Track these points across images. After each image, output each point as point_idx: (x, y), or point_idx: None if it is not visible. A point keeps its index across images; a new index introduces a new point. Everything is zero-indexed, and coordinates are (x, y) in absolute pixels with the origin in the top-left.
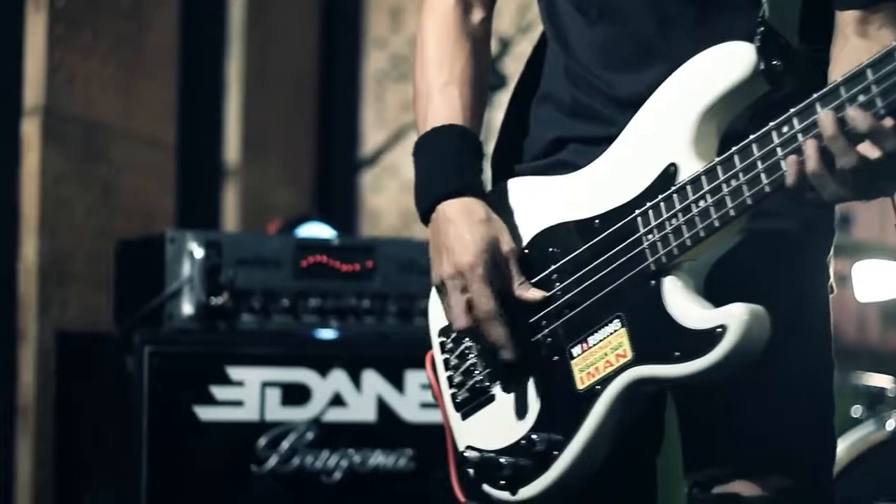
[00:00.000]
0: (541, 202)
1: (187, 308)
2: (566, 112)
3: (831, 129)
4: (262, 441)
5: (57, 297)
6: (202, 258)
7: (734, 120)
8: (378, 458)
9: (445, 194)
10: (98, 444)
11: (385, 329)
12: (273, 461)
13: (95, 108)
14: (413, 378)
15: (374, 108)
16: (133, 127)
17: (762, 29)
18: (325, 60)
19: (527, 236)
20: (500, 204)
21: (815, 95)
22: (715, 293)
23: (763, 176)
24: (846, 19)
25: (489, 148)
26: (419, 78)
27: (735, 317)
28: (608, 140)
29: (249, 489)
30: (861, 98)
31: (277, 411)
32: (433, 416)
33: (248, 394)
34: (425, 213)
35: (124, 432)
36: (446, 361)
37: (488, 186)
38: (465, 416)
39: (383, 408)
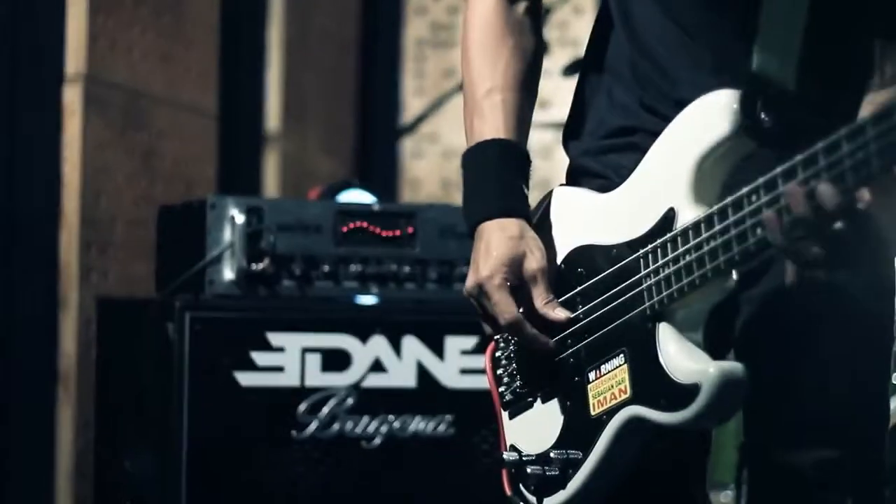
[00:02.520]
0: (580, 219)
1: (228, 274)
2: (636, 102)
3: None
4: (303, 407)
5: (98, 264)
6: (243, 224)
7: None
8: (418, 424)
9: (485, 216)
10: (139, 411)
11: (425, 295)
12: (313, 427)
13: (137, 75)
14: (453, 344)
15: (415, 76)
16: (174, 94)
17: (747, 82)
18: (365, 27)
19: (562, 253)
20: (542, 217)
21: (798, 157)
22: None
23: (749, 233)
24: (887, 50)
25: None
26: (465, 79)
27: (708, 376)
28: None
29: (289, 454)
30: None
31: (317, 377)
32: (473, 383)
33: (288, 359)
34: (470, 232)
35: (165, 398)
36: (498, 360)
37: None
38: (511, 416)
39: (423, 374)
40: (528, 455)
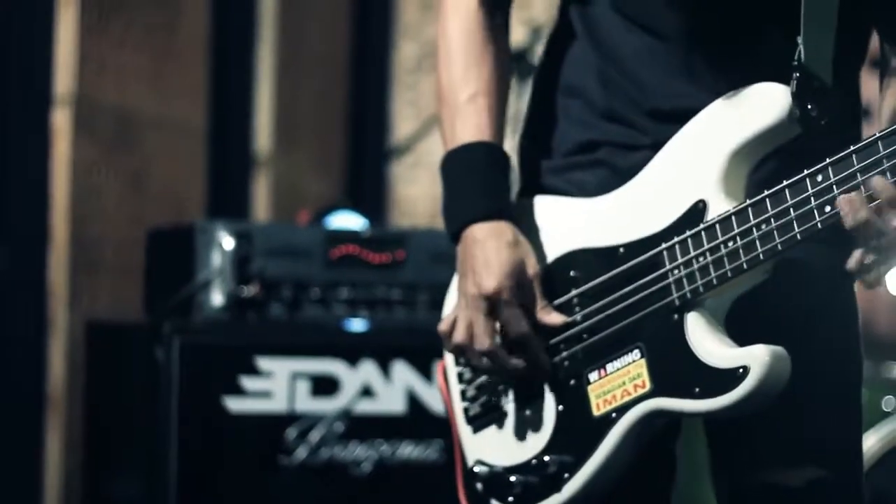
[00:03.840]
0: (565, 224)
1: (217, 298)
2: (599, 115)
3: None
4: (292, 432)
5: (87, 287)
6: (232, 249)
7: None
8: (408, 450)
9: (474, 218)
10: (127, 435)
11: (415, 320)
12: (302, 452)
13: (126, 96)
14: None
15: (406, 97)
16: (164, 115)
17: (798, 74)
18: (357, 48)
19: (549, 258)
20: (525, 221)
21: (852, 148)
22: (738, 317)
23: (795, 224)
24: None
25: (516, 139)
26: (445, 85)
27: (757, 358)
28: (643, 147)
29: (278, 480)
30: None
31: (307, 402)
32: None
33: (277, 385)
34: (454, 235)
35: (153, 422)
36: (460, 375)
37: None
38: (476, 430)
39: (413, 399)
40: (502, 466)
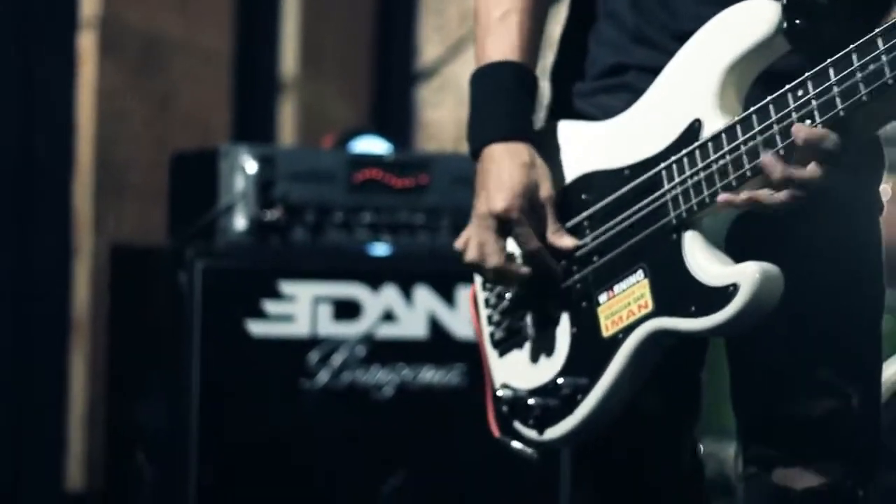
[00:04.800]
0: (582, 147)
1: (240, 222)
2: (629, 37)
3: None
4: (314, 356)
5: (114, 209)
6: (255, 173)
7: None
8: (429, 374)
9: (493, 137)
10: (151, 358)
11: (438, 245)
12: (324, 376)
13: (153, 20)
14: (465, 294)
15: (433, 21)
16: (190, 39)
17: None
18: None
19: (566, 181)
20: (547, 145)
21: (829, 61)
22: (747, 244)
23: (778, 139)
24: None
25: (548, 61)
26: (479, 4)
27: (747, 275)
28: None
29: (300, 404)
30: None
31: (329, 326)
32: None
33: (299, 308)
34: (475, 153)
35: (176, 347)
36: (486, 300)
37: (544, 101)
38: (501, 354)
39: (435, 324)
40: (524, 389)
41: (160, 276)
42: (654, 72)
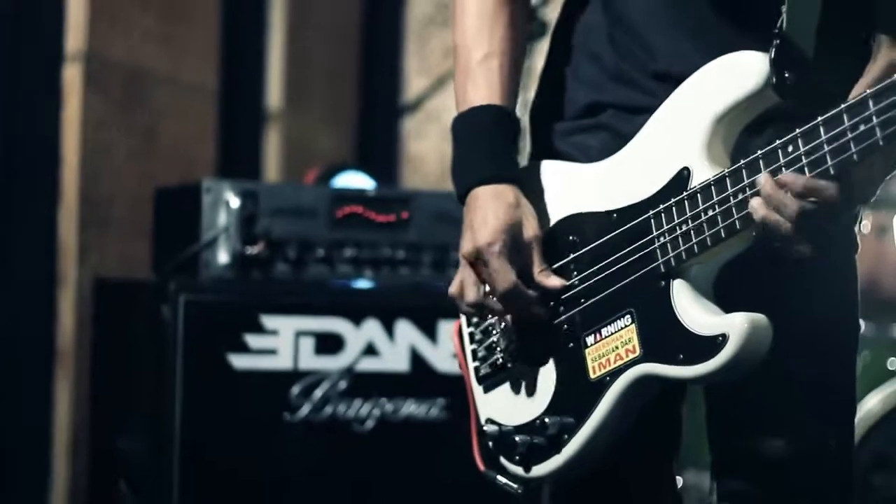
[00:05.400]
0: (568, 188)
1: (223, 257)
2: (608, 76)
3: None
4: (295, 389)
5: (97, 243)
6: (238, 207)
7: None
8: (410, 408)
9: (479, 181)
10: (134, 391)
11: (419, 279)
12: (306, 409)
13: (138, 53)
14: (446, 328)
15: (418, 54)
16: (175, 72)
17: (777, 41)
18: (369, 4)
19: (551, 222)
20: (531, 185)
21: (819, 119)
22: (730, 286)
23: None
24: (881, 41)
25: (530, 95)
26: (459, 45)
27: (736, 326)
28: (647, 110)
29: (282, 437)
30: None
31: (311, 360)
32: None
33: (281, 342)
34: (460, 197)
35: (159, 379)
36: (471, 335)
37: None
38: (486, 390)
39: (416, 358)
40: (510, 426)
41: (143, 309)
42: (632, 111)
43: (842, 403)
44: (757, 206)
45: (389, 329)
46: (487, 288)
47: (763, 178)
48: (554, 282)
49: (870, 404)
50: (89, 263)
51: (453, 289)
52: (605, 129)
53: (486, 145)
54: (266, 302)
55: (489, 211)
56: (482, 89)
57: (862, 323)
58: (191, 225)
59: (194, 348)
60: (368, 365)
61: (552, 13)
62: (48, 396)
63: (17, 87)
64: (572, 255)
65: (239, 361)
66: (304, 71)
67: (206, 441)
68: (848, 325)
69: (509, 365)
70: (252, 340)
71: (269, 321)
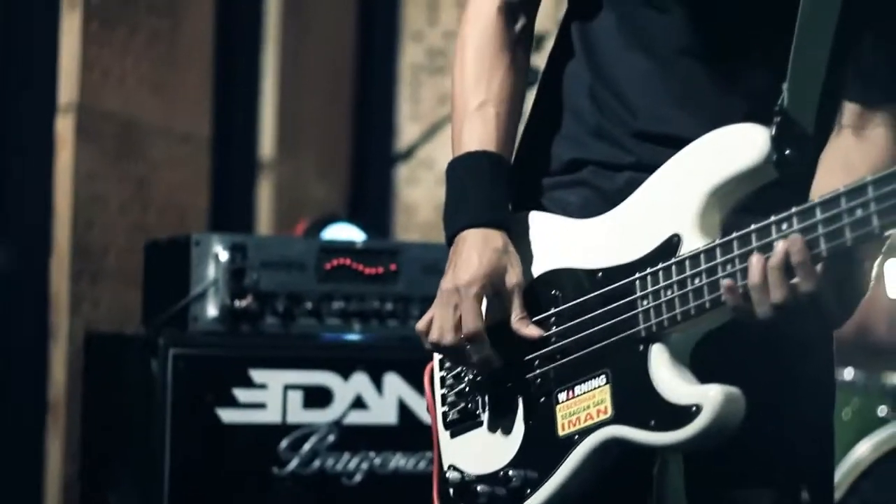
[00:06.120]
0: (554, 242)
1: (212, 310)
2: (589, 132)
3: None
4: (284, 443)
5: (89, 294)
6: (227, 261)
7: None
8: (399, 461)
9: (469, 224)
10: (123, 445)
11: (408, 332)
12: (294, 463)
13: (130, 104)
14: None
15: (410, 102)
16: (168, 123)
17: (779, 118)
18: (361, 53)
19: (535, 273)
20: (519, 233)
21: (817, 200)
22: (707, 354)
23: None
24: (848, 110)
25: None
26: (457, 91)
27: (710, 398)
28: (627, 167)
29: (271, 491)
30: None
31: (299, 414)
32: None
33: (270, 396)
34: (450, 238)
35: (149, 433)
36: (442, 379)
37: None
38: (453, 435)
39: (405, 411)
40: (473, 474)
41: (134, 363)
42: (612, 168)
43: (819, 464)
44: (729, 288)
45: (378, 382)
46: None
47: (754, 260)
48: (531, 331)
49: (860, 452)
50: (81, 315)
51: (421, 325)
52: (585, 186)
53: (480, 190)
54: (255, 355)
55: (474, 253)
56: (478, 135)
57: (852, 370)
58: (180, 278)
59: (183, 402)
60: (357, 418)
61: (543, 61)
62: (40, 449)
63: (10, 138)
64: (553, 310)
65: (228, 415)
66: (297, 119)
67: (195, 495)
68: (825, 386)
69: (478, 412)
70: (241, 394)
71: (257, 375)
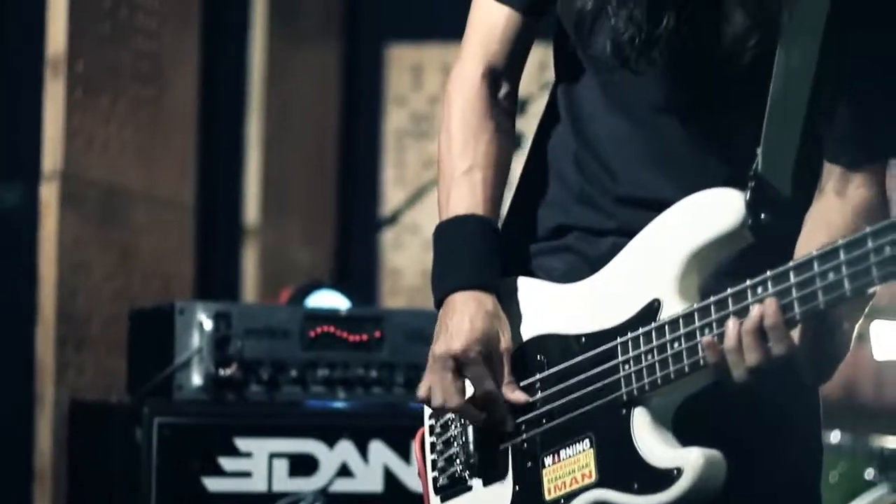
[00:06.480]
0: (541, 307)
1: (196, 379)
2: (573, 198)
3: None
4: None
5: (75, 361)
6: (211, 329)
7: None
8: None
9: (458, 287)
10: None
11: (393, 399)
12: None
13: (114, 171)
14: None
15: (395, 167)
16: (152, 189)
17: (753, 183)
18: (345, 118)
19: (523, 338)
20: (507, 298)
21: (791, 264)
22: (689, 417)
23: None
24: (829, 171)
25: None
26: (444, 157)
27: (691, 461)
28: (609, 233)
29: None
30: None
31: (285, 482)
32: None
33: (256, 465)
34: (438, 302)
35: (135, 502)
36: (433, 445)
37: None
38: (443, 500)
39: (390, 478)
40: None
41: (119, 431)
42: (596, 233)
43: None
44: (710, 345)
45: (363, 449)
46: (468, 394)
47: (730, 324)
48: (519, 396)
49: None
50: (66, 383)
51: (422, 393)
52: (569, 252)
53: (469, 253)
54: (240, 424)
55: (466, 316)
56: (465, 199)
57: (839, 433)
58: (165, 346)
59: (168, 471)
60: (343, 486)
61: (527, 124)
62: None
63: None
64: (539, 375)
65: (213, 484)
66: (281, 185)
67: None
68: (811, 447)
69: (467, 477)
70: (226, 463)
71: (242, 443)
